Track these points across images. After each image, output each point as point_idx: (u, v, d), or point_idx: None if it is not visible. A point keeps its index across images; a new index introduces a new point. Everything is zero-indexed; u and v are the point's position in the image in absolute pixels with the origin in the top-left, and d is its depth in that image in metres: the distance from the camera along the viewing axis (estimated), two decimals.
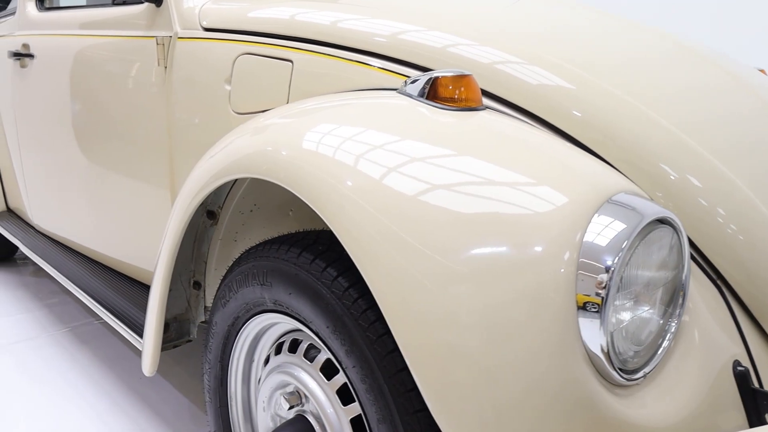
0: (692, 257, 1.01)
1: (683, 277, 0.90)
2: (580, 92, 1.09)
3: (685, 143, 1.06)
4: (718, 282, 1.01)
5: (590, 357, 0.80)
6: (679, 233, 0.88)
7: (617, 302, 0.82)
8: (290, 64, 1.31)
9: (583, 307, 0.79)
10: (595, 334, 0.79)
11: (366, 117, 1.02)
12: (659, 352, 0.88)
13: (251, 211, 1.46)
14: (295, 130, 1.03)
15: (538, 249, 0.81)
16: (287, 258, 1.05)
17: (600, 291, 0.79)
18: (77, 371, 2.05)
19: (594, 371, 0.80)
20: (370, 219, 0.86)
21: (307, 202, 0.94)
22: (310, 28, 1.31)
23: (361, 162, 0.92)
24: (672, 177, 1.03)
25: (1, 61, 2.41)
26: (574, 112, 1.08)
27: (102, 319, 2.42)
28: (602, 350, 0.80)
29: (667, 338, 0.89)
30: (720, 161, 1.06)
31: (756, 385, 0.97)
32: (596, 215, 0.83)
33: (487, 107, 1.07)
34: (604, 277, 0.79)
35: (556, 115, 1.07)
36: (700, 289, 0.99)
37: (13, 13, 2.38)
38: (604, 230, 0.82)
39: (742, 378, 0.93)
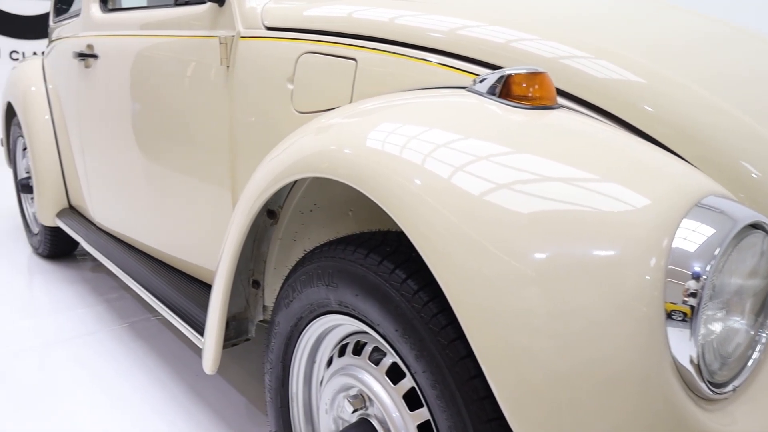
0: None
1: None
2: (652, 86, 1.05)
3: (764, 137, 1.01)
4: None
5: (678, 368, 0.76)
6: None
7: (708, 312, 0.78)
8: (354, 62, 1.30)
9: (671, 316, 0.75)
10: (684, 345, 0.75)
11: (435, 115, 1.00)
12: (749, 364, 0.83)
13: (311, 210, 1.45)
14: (361, 128, 1.01)
15: (621, 253, 0.77)
16: (354, 259, 1.03)
17: (690, 300, 0.74)
18: (137, 366, 2.08)
19: (682, 383, 0.76)
20: (443, 219, 0.83)
21: (375, 200, 0.92)
22: (373, 26, 1.30)
23: (432, 161, 0.89)
24: (754, 175, 0.98)
25: (66, 61, 2.47)
26: (647, 108, 1.03)
27: (159, 315, 2.46)
28: (691, 362, 0.75)
29: (757, 349, 0.84)
30: None
31: None
32: (685, 219, 0.79)
33: (562, 105, 1.03)
34: (695, 285, 0.74)
35: (631, 112, 1.03)
36: None
37: (78, 15, 2.44)
38: (694, 236, 0.78)
39: None
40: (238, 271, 1.50)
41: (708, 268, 0.75)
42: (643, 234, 0.78)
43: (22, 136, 2.92)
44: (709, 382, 0.79)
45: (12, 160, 3.31)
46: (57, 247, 2.99)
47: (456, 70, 1.16)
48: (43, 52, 2.90)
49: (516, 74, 0.99)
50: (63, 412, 1.83)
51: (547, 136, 0.91)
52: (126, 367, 2.08)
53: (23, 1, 5.54)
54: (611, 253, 0.77)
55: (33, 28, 5.50)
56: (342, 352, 1.16)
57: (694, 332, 0.75)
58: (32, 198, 3.08)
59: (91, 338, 2.31)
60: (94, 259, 3.01)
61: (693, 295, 0.75)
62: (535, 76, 0.99)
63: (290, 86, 1.42)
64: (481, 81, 1.04)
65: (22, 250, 3.27)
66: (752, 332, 0.84)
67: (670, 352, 0.75)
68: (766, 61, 1.25)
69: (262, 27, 1.50)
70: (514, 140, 0.90)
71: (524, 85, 0.98)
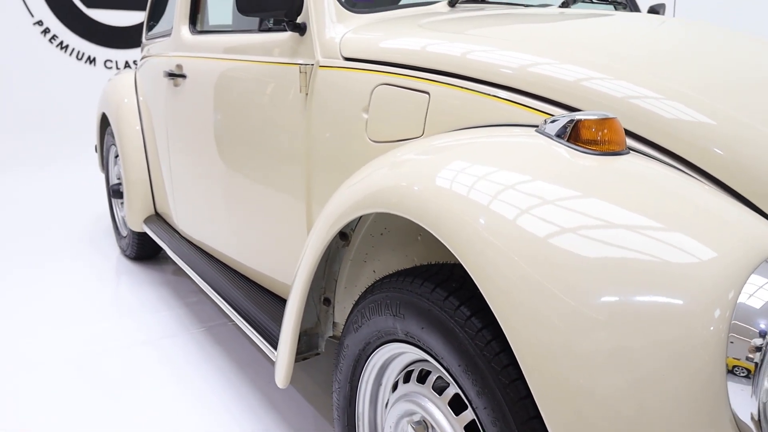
0: None
1: None
2: (723, 129, 1.04)
3: None
4: None
5: (738, 424, 0.77)
6: None
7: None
8: (427, 96, 1.34)
9: (732, 371, 0.76)
10: (745, 402, 0.76)
11: (503, 156, 1.03)
12: None
13: (381, 234, 1.50)
14: (430, 167, 1.05)
15: (686, 304, 0.78)
16: (421, 292, 1.08)
17: (753, 356, 0.75)
18: (214, 369, 2.20)
19: None
20: (505, 260, 0.87)
21: (439, 238, 0.96)
22: (446, 60, 1.34)
23: (496, 202, 0.93)
24: None
25: (156, 77, 2.62)
26: (718, 152, 1.03)
27: (234, 321, 2.57)
28: (752, 419, 0.76)
29: None
30: None
31: None
32: (753, 275, 0.79)
33: (631, 150, 1.04)
34: (760, 342, 0.75)
35: (703, 157, 1.03)
36: None
37: (168, 35, 2.59)
38: (761, 292, 0.78)
39: None
40: (311, 288, 1.58)
41: None
42: (710, 286, 0.79)
43: (114, 144, 3.11)
44: None
45: (105, 166, 3.52)
46: (143, 251, 3.18)
47: (525, 107, 1.19)
48: (135, 62, 3.09)
49: (586, 119, 1.01)
50: (145, 408, 1.95)
51: (614, 183, 0.93)
52: (204, 370, 2.19)
53: (116, 13, 5.88)
54: (675, 302, 0.78)
55: (125, 38, 5.83)
56: (407, 379, 1.21)
57: (755, 389, 0.75)
58: (122, 203, 3.28)
59: (174, 340, 2.44)
60: (176, 263, 3.17)
61: (757, 350, 0.75)
62: (604, 122, 1.01)
63: (365, 116, 1.48)
64: (551, 122, 1.06)
65: (111, 252, 3.48)
66: None
67: (730, 408, 0.76)
68: None
69: (340, 57, 1.57)
70: (581, 185, 0.92)
71: (593, 129, 1.00)
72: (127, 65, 5.85)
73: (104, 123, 3.35)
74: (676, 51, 1.34)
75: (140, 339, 2.44)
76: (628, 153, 1.01)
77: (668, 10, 2.33)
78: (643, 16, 1.77)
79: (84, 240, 3.70)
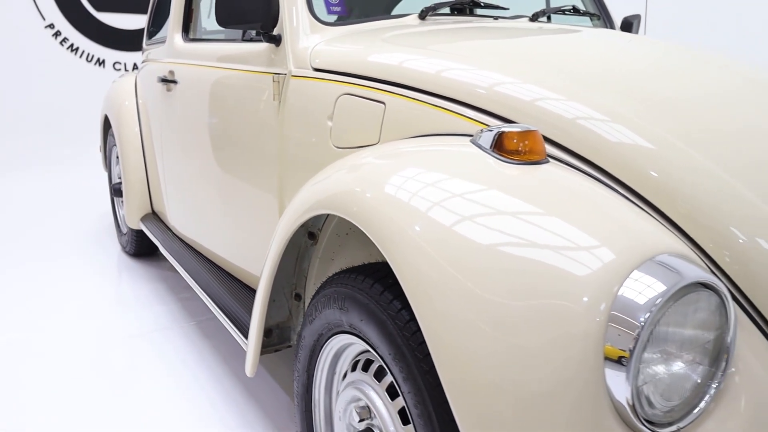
0: (755, 322, 1.01)
1: (728, 340, 0.92)
2: (642, 144, 1.13)
3: (756, 206, 1.06)
4: None
5: (616, 407, 0.86)
6: (724, 298, 0.91)
7: (645, 357, 0.87)
8: (383, 105, 1.44)
9: (610, 358, 0.85)
10: (621, 386, 0.85)
11: (435, 165, 1.12)
12: (695, 411, 0.91)
13: (347, 234, 1.60)
14: (373, 174, 1.16)
15: (574, 296, 0.87)
16: (362, 287, 1.18)
17: (627, 344, 0.84)
18: (200, 362, 2.31)
19: (620, 421, 0.86)
20: (422, 259, 0.96)
21: (371, 238, 1.06)
22: (401, 72, 1.43)
23: (422, 207, 1.03)
24: (740, 240, 1.03)
25: (152, 82, 2.75)
26: (635, 165, 1.11)
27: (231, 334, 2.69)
28: (627, 402, 0.85)
29: (705, 398, 0.92)
30: None
31: None
32: (636, 271, 0.88)
33: (551, 160, 1.13)
34: (633, 331, 0.84)
35: (621, 169, 1.11)
36: (758, 346, 1.00)
37: (164, 42, 2.71)
38: (641, 287, 0.87)
39: None
40: (282, 284, 1.68)
41: (646, 316, 0.84)
42: (598, 282, 0.88)
43: (115, 145, 3.24)
44: (651, 422, 0.88)
45: (108, 166, 3.66)
46: (141, 247, 3.30)
47: (467, 118, 1.28)
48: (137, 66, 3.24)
49: (509, 131, 1.10)
50: (139, 395, 2.07)
51: (529, 191, 1.02)
52: (191, 362, 2.30)
53: (125, 17, 6.04)
54: (565, 296, 0.88)
55: (133, 41, 5.99)
56: (355, 368, 1.31)
57: (629, 375, 0.84)
58: (122, 201, 3.40)
59: (166, 333, 2.56)
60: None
61: (630, 339, 0.84)
62: (526, 134, 1.10)
63: (330, 123, 1.58)
64: (484, 133, 1.15)
65: (113, 248, 3.62)
66: (700, 381, 0.92)
67: (608, 391, 0.85)
68: None
69: (310, 68, 1.67)
70: (501, 194, 1.02)
71: (515, 140, 1.10)
72: (135, 67, 6.00)
73: (107, 124, 3.48)
74: (621, 70, 1.43)
75: (133, 332, 2.56)
76: (548, 162, 1.11)
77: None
78: (605, 34, 1.85)
79: (89, 237, 3.84)
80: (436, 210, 1.01)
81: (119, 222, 3.57)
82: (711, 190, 1.07)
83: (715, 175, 1.09)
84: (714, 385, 0.93)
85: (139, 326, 2.61)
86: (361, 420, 1.26)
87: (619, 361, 0.85)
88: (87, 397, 2.09)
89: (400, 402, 1.16)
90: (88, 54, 5.97)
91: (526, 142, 1.10)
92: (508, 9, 2.12)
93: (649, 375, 0.88)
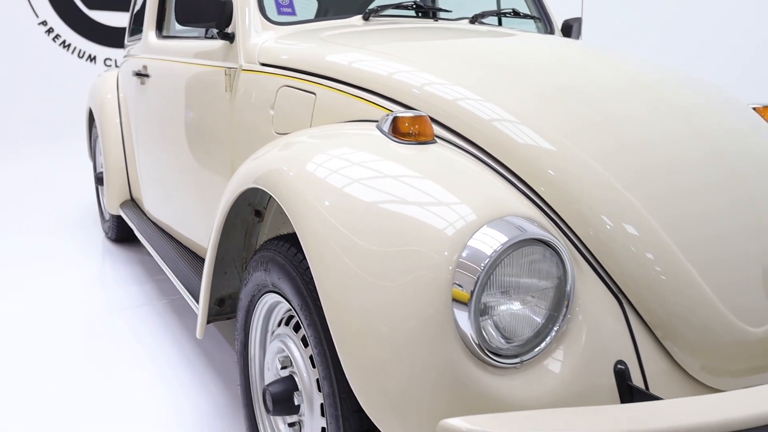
0: (599, 275, 1.20)
1: (567, 289, 1.11)
2: (512, 128, 1.31)
3: (616, 190, 1.23)
4: (620, 298, 1.19)
5: (464, 341, 1.04)
6: (561, 253, 1.09)
7: (486, 299, 1.05)
8: (314, 96, 1.63)
9: (457, 300, 1.03)
10: (466, 323, 1.03)
11: (346, 146, 1.31)
12: (537, 348, 1.09)
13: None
14: (291, 154, 1.34)
15: (436, 249, 1.05)
16: (280, 251, 1.36)
17: (470, 287, 1.02)
18: (167, 333, 2.50)
19: (468, 353, 1.04)
20: (320, 225, 1.15)
21: (282, 207, 1.25)
22: (328, 67, 1.62)
23: (324, 180, 1.21)
24: (595, 216, 1.21)
25: (130, 76, 2.94)
26: (507, 146, 1.29)
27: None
28: (471, 337, 1.03)
29: (547, 339, 1.10)
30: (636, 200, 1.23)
31: (642, 385, 1.15)
32: (485, 227, 1.07)
33: (439, 140, 1.32)
34: (474, 275, 1.02)
35: (498, 149, 1.30)
36: (603, 300, 1.18)
37: (141, 39, 2.90)
38: (487, 239, 1.05)
39: (620, 375, 1.12)
40: (233, 258, 1.87)
41: (486, 262, 1.02)
42: (452, 234, 1.06)
43: (99, 136, 3.43)
44: (498, 354, 1.06)
45: (92, 157, 3.85)
46: (122, 233, 3.49)
47: (380, 107, 1.47)
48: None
49: (402, 116, 1.29)
50: (111, 369, 2.26)
51: (414, 166, 1.21)
52: (161, 338, 2.49)
53: (116, 14, 6.24)
54: (430, 247, 1.06)
55: (123, 38, 6.17)
56: (280, 324, 1.49)
57: (471, 313, 1.03)
58: (104, 190, 3.59)
59: (138, 310, 2.75)
60: None
61: (471, 283, 1.02)
62: (416, 119, 1.29)
63: (272, 112, 1.77)
64: (385, 119, 1.34)
65: (98, 234, 3.81)
66: (543, 321, 1.10)
67: (457, 327, 1.04)
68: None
69: (257, 63, 1.86)
70: (394, 168, 1.20)
71: (407, 124, 1.28)
72: None
73: (91, 117, 3.67)
74: (523, 68, 1.60)
75: (114, 308, 2.76)
76: (435, 143, 1.29)
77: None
78: (528, 37, 2.03)
79: (76, 224, 4.05)
80: (335, 182, 1.20)
81: (102, 209, 3.76)
82: (572, 170, 1.25)
83: (578, 158, 1.27)
84: (555, 328, 1.11)
85: (112, 304, 2.81)
86: (284, 368, 1.45)
87: (464, 302, 1.03)
88: (52, 365, 2.28)
89: (311, 350, 1.35)
90: (80, 50, 6.18)
91: (417, 126, 1.29)
92: (450, 11, 2.31)
93: (491, 314, 1.06)
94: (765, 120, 1.79)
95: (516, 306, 1.09)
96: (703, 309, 1.19)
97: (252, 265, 1.50)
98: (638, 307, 1.18)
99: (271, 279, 1.40)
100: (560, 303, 1.11)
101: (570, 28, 2.57)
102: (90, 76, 5.94)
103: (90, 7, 6.14)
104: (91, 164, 4.04)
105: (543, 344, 1.10)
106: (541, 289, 1.10)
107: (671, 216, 1.23)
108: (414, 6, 2.17)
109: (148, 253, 3.44)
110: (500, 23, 2.52)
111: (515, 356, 1.08)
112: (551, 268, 1.10)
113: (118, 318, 2.67)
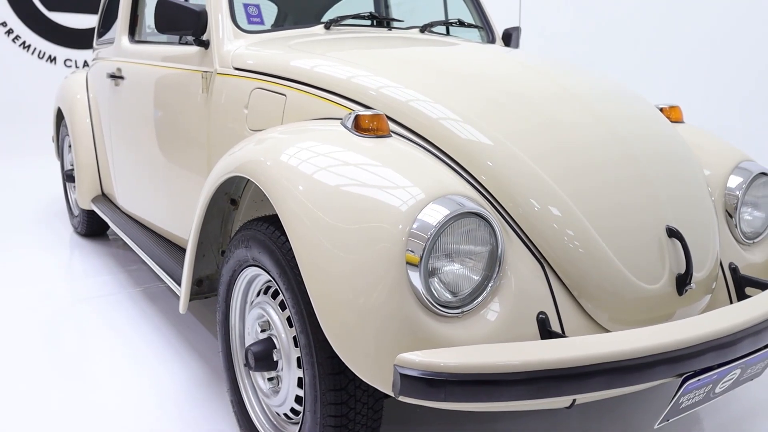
0: (527, 245, 1.47)
1: (499, 254, 1.37)
2: (456, 126, 1.57)
3: (546, 184, 1.49)
4: (543, 263, 1.46)
5: (417, 296, 1.30)
6: (492, 223, 1.36)
7: (432, 262, 1.31)
8: (284, 97, 1.87)
9: (410, 263, 1.29)
10: (417, 282, 1.29)
11: (315, 140, 1.55)
12: (476, 301, 1.35)
13: (262, 200, 2.02)
14: (268, 147, 1.58)
15: (393, 222, 1.30)
16: (260, 229, 1.60)
17: (419, 252, 1.28)
18: (142, 315, 2.69)
19: (420, 305, 1.30)
20: (297, 206, 1.39)
21: (262, 189, 1.49)
22: (297, 71, 1.87)
23: (299, 168, 1.45)
24: (520, 198, 1.49)
25: (102, 78, 3.11)
26: (452, 140, 1.56)
27: (165, 283, 3.07)
28: (422, 293, 1.29)
29: (483, 293, 1.37)
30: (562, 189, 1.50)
31: (560, 331, 1.43)
32: (432, 203, 1.32)
33: (394, 135, 1.57)
34: (422, 242, 1.28)
35: (443, 142, 1.56)
36: (529, 265, 1.45)
37: (113, 42, 3.07)
38: (433, 213, 1.31)
39: (541, 323, 1.40)
40: (210, 243, 2.09)
41: (431, 231, 1.28)
42: (406, 209, 1.32)
43: (68, 135, 3.58)
44: (444, 305, 1.32)
45: (60, 155, 3.98)
46: (92, 227, 3.65)
47: (343, 107, 1.72)
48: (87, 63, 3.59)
49: (362, 115, 1.54)
50: (87, 352, 2.44)
51: (373, 155, 1.46)
52: (137, 322, 2.67)
53: (75, 16, 6.32)
54: (387, 220, 1.31)
55: (83, 39, 6.29)
56: (259, 294, 1.73)
57: (420, 274, 1.28)
58: (74, 186, 3.74)
59: (112, 298, 2.93)
60: (120, 238, 3.65)
61: (420, 248, 1.28)
62: (374, 117, 1.54)
63: (246, 111, 2.00)
64: (347, 117, 1.59)
65: (65, 229, 3.95)
66: (479, 279, 1.37)
67: (411, 285, 1.29)
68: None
69: (231, 67, 2.09)
70: (356, 157, 1.45)
71: (367, 121, 1.54)
72: (85, 64, 6.30)
73: (59, 116, 3.81)
74: (465, 72, 1.87)
75: (85, 297, 2.93)
76: (391, 137, 1.55)
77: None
78: (468, 46, 2.30)
79: (41, 220, 4.16)
80: (308, 169, 1.45)
81: (71, 205, 3.90)
82: (507, 163, 1.52)
83: (513, 153, 1.54)
84: (490, 284, 1.37)
85: (87, 292, 2.98)
86: (263, 331, 1.68)
87: (415, 264, 1.29)
88: (30, 353, 2.45)
89: (288, 313, 1.59)
90: (40, 51, 6.24)
91: (375, 123, 1.54)
92: (402, 21, 2.57)
93: (437, 274, 1.32)
94: (668, 119, 2.11)
95: (457, 267, 1.35)
96: (610, 273, 1.47)
97: (233, 244, 1.73)
98: (558, 272, 1.46)
99: (252, 254, 1.63)
100: (493, 265, 1.38)
101: (509, 37, 2.86)
102: (51, 76, 6.04)
103: (50, 8, 6.21)
104: (57, 162, 4.17)
105: (480, 298, 1.37)
106: (477, 253, 1.36)
107: (589, 202, 1.51)
108: (370, 16, 2.42)
109: (119, 246, 3.61)
110: (448, 32, 2.79)
111: (458, 307, 1.34)
112: (485, 236, 1.37)
113: (92, 306, 2.84)
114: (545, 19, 5.23)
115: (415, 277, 1.29)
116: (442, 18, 2.86)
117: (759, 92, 4.54)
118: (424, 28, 2.52)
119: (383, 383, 1.28)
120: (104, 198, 3.38)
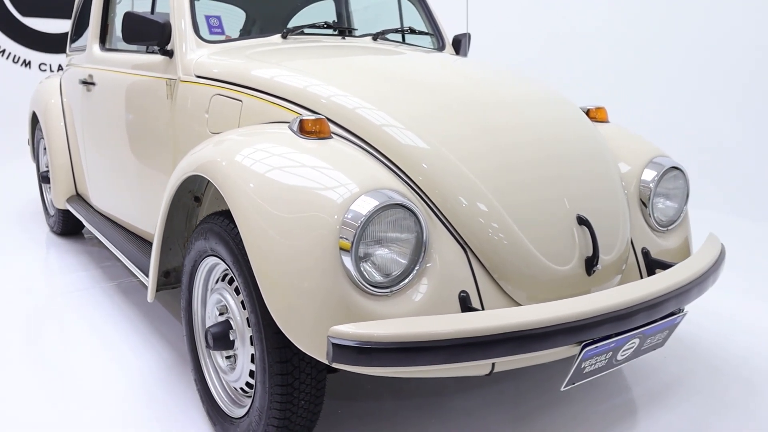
0: (451, 232, 1.67)
1: (424, 240, 1.57)
2: (395, 131, 1.77)
3: (474, 183, 1.69)
4: (466, 250, 1.66)
5: (350, 278, 1.49)
6: (417, 214, 1.55)
7: (363, 247, 1.50)
8: (240, 103, 2.05)
9: (343, 249, 1.48)
10: (350, 265, 1.48)
11: (265, 142, 1.74)
12: (403, 282, 1.55)
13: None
14: (224, 148, 1.76)
15: (329, 212, 1.49)
16: (216, 222, 1.78)
17: (350, 239, 1.47)
18: (119, 314, 2.85)
19: (353, 285, 1.49)
20: (246, 201, 1.58)
21: (215, 186, 1.67)
22: (252, 79, 2.05)
23: (250, 167, 1.64)
24: (450, 196, 1.68)
25: (75, 83, 3.26)
26: (388, 143, 1.75)
27: (137, 278, 3.23)
28: (354, 274, 1.48)
29: (410, 275, 1.56)
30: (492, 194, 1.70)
31: (480, 308, 1.62)
32: (364, 195, 1.51)
33: (335, 137, 1.76)
34: (353, 230, 1.47)
35: (384, 147, 1.75)
36: (453, 250, 1.65)
37: (84, 49, 3.23)
38: (364, 204, 1.50)
39: (463, 301, 1.60)
40: (176, 237, 2.26)
41: (361, 220, 1.47)
42: (341, 201, 1.50)
43: (43, 138, 3.72)
44: (375, 285, 1.51)
45: (35, 157, 4.12)
46: (67, 226, 3.80)
47: (292, 111, 1.91)
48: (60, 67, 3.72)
49: (306, 119, 1.73)
50: (63, 343, 2.60)
51: (317, 155, 1.65)
52: (111, 315, 2.83)
53: (49, 21, 6.44)
54: (324, 209, 1.50)
55: (58, 44, 6.40)
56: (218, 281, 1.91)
57: (352, 258, 1.47)
58: (50, 187, 3.88)
59: (86, 292, 3.08)
60: (95, 236, 3.80)
61: (351, 235, 1.47)
62: (317, 121, 1.73)
63: (206, 115, 2.17)
64: (294, 121, 1.77)
65: (41, 229, 4.09)
66: (406, 263, 1.56)
67: (344, 267, 1.48)
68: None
69: (193, 75, 2.26)
70: (300, 157, 1.64)
71: (310, 125, 1.73)
72: (60, 68, 6.41)
73: (35, 120, 3.95)
74: (408, 78, 2.07)
75: (61, 292, 3.08)
76: (332, 138, 1.74)
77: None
78: (416, 54, 2.49)
79: (17, 221, 4.29)
80: (258, 168, 1.63)
81: (47, 205, 4.04)
82: (440, 165, 1.71)
83: (446, 157, 1.73)
84: (416, 268, 1.57)
85: (62, 287, 3.13)
86: (221, 314, 1.86)
87: (347, 250, 1.48)
88: (15, 339, 2.61)
89: (242, 297, 1.77)
90: (15, 56, 6.34)
91: (317, 126, 1.73)
92: (356, 29, 2.76)
93: (368, 258, 1.52)
94: (594, 119, 2.33)
95: (386, 252, 1.54)
96: (527, 258, 1.67)
97: (194, 236, 1.91)
98: (480, 258, 1.65)
99: (210, 245, 1.81)
100: (419, 250, 1.57)
101: (459, 43, 3.06)
102: (25, 80, 6.14)
103: (24, 14, 6.31)
104: (33, 164, 4.30)
105: (407, 279, 1.56)
106: (403, 240, 1.56)
107: (510, 197, 1.71)
108: (324, 26, 2.61)
109: (93, 244, 3.76)
110: (404, 39, 2.98)
111: (387, 287, 1.54)
112: (411, 225, 1.56)
113: (69, 300, 2.99)
114: (492, 24, 5.51)
115: (348, 261, 1.48)
116: (397, 24, 3.05)
117: (701, 90, 4.82)
118: (376, 36, 2.71)
119: (320, 353, 1.47)
120: (78, 198, 3.53)
